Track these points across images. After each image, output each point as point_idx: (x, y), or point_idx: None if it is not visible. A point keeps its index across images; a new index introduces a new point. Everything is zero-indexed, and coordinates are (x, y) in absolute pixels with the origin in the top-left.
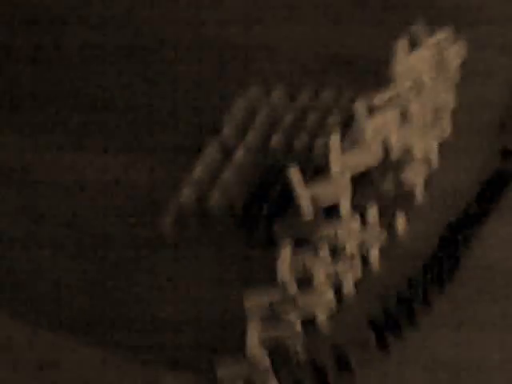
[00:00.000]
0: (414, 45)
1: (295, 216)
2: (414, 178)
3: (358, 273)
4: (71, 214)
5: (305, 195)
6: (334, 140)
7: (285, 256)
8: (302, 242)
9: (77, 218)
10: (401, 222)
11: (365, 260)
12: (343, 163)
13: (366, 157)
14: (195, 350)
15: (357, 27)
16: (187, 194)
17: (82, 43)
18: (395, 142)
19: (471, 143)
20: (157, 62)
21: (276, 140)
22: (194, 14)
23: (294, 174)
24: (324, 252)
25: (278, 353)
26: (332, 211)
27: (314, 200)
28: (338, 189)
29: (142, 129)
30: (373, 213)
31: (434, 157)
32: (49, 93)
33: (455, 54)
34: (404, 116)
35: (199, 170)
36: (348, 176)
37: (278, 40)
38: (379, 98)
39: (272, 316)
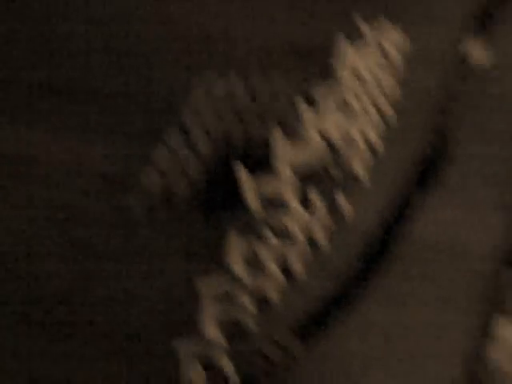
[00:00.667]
0: (355, 37)
1: (243, 208)
2: (359, 163)
3: (308, 256)
4: (49, 192)
5: (251, 191)
6: (276, 138)
7: (233, 248)
8: (251, 230)
9: (56, 197)
10: (346, 206)
11: (314, 243)
12: (288, 159)
13: (311, 153)
14: (155, 328)
15: (307, 18)
16: (152, 176)
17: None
18: (338, 135)
19: (410, 127)
20: (119, 52)
21: (233, 125)
22: (160, 7)
23: (241, 174)
24: (272, 239)
25: (232, 332)
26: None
27: (261, 193)
28: (283, 183)
29: (107, 112)
30: (319, 203)
31: (378, 143)
32: (25, 81)
33: (396, 44)
34: (346, 110)
35: (163, 156)
36: (292, 171)
37: (234, 28)
38: (321, 93)
39: (226, 299)
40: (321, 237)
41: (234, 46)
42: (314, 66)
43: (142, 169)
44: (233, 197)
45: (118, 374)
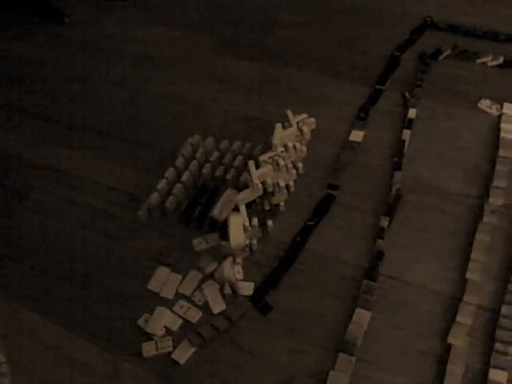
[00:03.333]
0: (286, 121)
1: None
2: (280, 199)
3: (247, 255)
4: (87, 202)
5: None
6: (234, 195)
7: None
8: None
9: (90, 204)
10: (270, 224)
11: (251, 247)
12: (242, 198)
13: (254, 193)
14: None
15: (260, 98)
16: (155, 197)
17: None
18: (270, 182)
19: (313, 178)
20: (144, 113)
21: (206, 170)
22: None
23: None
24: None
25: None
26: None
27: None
28: (240, 212)
29: (132, 153)
30: (255, 221)
31: (292, 185)
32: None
33: (309, 126)
34: (276, 166)
35: (162, 183)
36: (244, 205)
37: (211, 102)
38: (264, 157)
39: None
40: (255, 243)
41: (212, 119)
42: (261, 136)
43: (150, 192)
44: (204, 215)
45: None
